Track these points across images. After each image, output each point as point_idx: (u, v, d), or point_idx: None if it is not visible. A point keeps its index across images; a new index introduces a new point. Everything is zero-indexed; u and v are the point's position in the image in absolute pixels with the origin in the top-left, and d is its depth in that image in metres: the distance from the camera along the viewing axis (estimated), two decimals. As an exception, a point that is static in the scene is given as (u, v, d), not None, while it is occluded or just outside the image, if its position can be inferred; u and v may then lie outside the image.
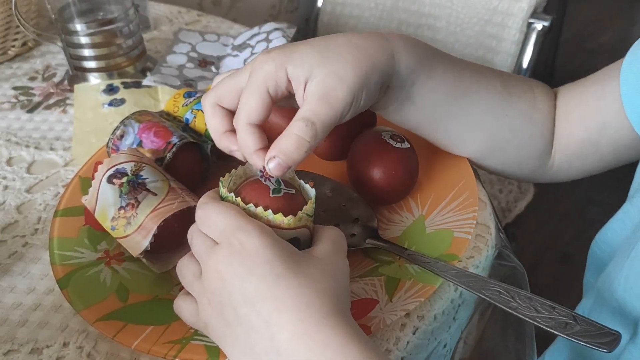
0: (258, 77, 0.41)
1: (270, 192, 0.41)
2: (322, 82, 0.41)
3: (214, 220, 0.39)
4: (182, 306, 0.41)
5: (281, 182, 0.42)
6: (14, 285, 0.50)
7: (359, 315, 0.42)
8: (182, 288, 0.47)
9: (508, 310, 0.41)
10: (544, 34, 1.17)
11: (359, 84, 0.41)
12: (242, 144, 0.42)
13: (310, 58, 0.41)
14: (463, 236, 0.47)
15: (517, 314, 0.40)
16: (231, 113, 0.44)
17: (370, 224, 0.50)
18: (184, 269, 0.40)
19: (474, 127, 0.52)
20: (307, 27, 1.51)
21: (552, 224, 1.66)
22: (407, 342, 0.44)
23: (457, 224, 0.49)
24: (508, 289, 0.42)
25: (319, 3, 1.42)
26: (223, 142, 0.44)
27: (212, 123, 0.44)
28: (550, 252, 1.59)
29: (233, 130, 0.44)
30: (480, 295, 0.42)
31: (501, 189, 1.20)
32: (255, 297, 0.36)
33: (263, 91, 0.41)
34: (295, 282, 0.36)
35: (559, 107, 0.55)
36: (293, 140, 0.40)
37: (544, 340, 0.56)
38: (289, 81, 0.42)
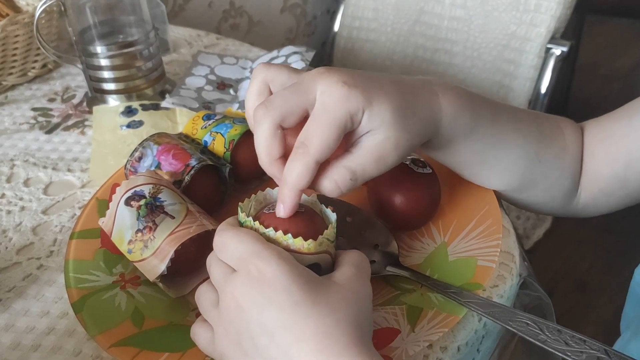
0: (339, 113, 0.39)
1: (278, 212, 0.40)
2: (382, 143, 0.41)
3: (230, 247, 0.38)
4: (199, 333, 0.40)
5: None
6: (28, 308, 0.49)
7: (380, 345, 0.41)
8: (198, 314, 0.46)
9: (537, 343, 0.39)
10: (562, 59, 1.16)
11: (407, 153, 0.43)
12: (299, 180, 0.39)
13: (385, 113, 0.40)
14: (487, 264, 0.46)
15: (547, 347, 0.39)
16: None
17: (391, 250, 0.49)
18: (202, 296, 0.39)
19: (504, 171, 0.51)
20: (323, 51, 1.52)
21: (568, 251, 1.64)
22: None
23: (481, 252, 0.47)
24: (536, 320, 0.40)
25: (336, 27, 1.43)
26: (275, 169, 0.41)
27: (271, 146, 0.40)
28: (567, 280, 1.56)
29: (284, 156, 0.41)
30: (507, 327, 0.40)
31: (519, 215, 1.18)
32: (273, 327, 0.35)
33: (341, 131, 0.39)
34: (314, 311, 0.35)
35: (585, 144, 0.54)
36: (332, 187, 0.40)
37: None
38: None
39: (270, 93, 0.43)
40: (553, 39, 1.16)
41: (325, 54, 1.50)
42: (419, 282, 0.46)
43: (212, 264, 0.39)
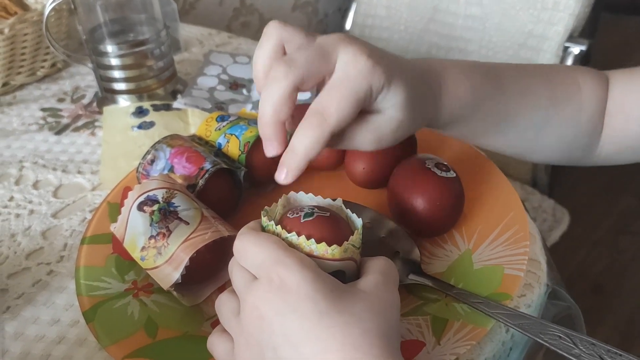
0: (361, 86, 0.37)
1: (302, 216, 0.38)
2: (385, 124, 0.41)
3: (251, 253, 0.36)
4: (216, 344, 0.38)
5: (314, 208, 0.39)
6: (38, 316, 0.48)
7: (404, 358, 0.39)
8: (213, 323, 0.45)
9: (570, 357, 0.37)
10: (580, 58, 1.14)
11: (401, 139, 0.42)
12: (311, 150, 0.37)
13: (399, 96, 0.39)
14: (515, 273, 0.44)
15: (580, 363, 0.37)
16: None
17: (413, 257, 0.47)
18: (223, 305, 0.37)
19: (512, 140, 0.51)
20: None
21: (584, 253, 1.61)
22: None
23: (508, 260, 0.45)
24: (569, 333, 0.38)
25: (347, 26, 1.41)
26: (275, 131, 0.38)
27: (282, 106, 0.37)
28: (582, 282, 1.54)
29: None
30: (539, 340, 0.38)
31: (535, 217, 1.16)
32: (297, 337, 0.33)
33: (359, 105, 0.38)
34: (340, 321, 0.33)
35: (612, 96, 0.52)
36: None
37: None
38: None
39: (284, 54, 0.40)
40: (571, 38, 1.14)
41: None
42: (443, 291, 0.44)
43: (234, 270, 0.37)
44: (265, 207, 0.40)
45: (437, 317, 0.43)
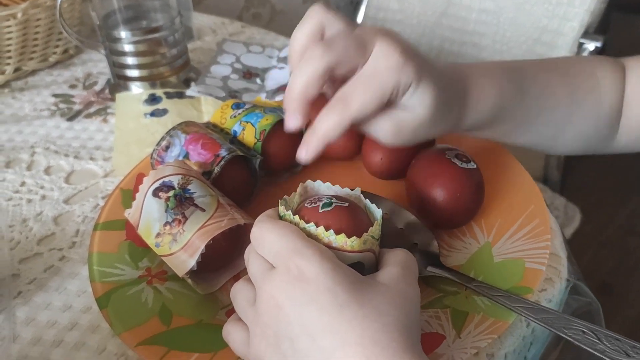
0: (388, 81, 0.38)
1: (320, 206, 0.38)
2: (408, 121, 0.41)
3: (269, 241, 0.35)
4: (232, 333, 0.37)
5: (333, 197, 0.39)
6: (50, 302, 0.47)
7: (424, 351, 0.38)
8: (228, 312, 0.44)
9: (594, 353, 0.36)
10: (596, 55, 1.12)
11: (420, 140, 0.43)
12: (330, 133, 0.38)
13: (427, 97, 0.40)
14: (536, 267, 0.43)
15: (605, 357, 0.36)
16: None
17: (431, 249, 0.46)
18: (238, 294, 0.37)
19: (536, 139, 0.51)
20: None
21: (592, 252, 1.60)
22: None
23: (529, 253, 0.45)
24: (593, 328, 0.37)
25: (359, 18, 1.40)
26: (301, 107, 0.39)
27: (313, 85, 0.38)
28: (590, 282, 1.53)
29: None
30: (562, 334, 0.37)
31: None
32: (315, 329, 0.32)
33: (384, 99, 0.38)
34: (360, 314, 0.32)
35: (629, 86, 0.52)
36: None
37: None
38: None
39: (322, 38, 0.41)
40: (586, 34, 1.12)
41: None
42: (463, 284, 0.43)
43: (250, 258, 0.36)
44: (285, 196, 0.39)
45: (457, 310, 0.42)
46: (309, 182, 0.41)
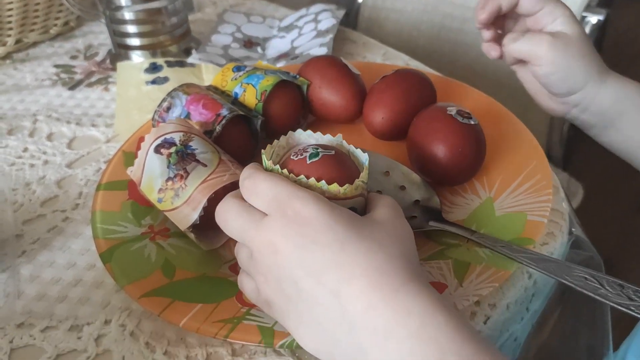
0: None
1: (308, 157, 0.37)
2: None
3: (262, 188, 0.35)
4: (244, 282, 0.37)
5: (318, 147, 0.38)
6: (53, 260, 0.47)
7: (426, 299, 0.38)
8: (230, 267, 0.44)
9: (597, 297, 0.36)
10: (598, 28, 1.12)
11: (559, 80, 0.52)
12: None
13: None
14: (538, 219, 0.43)
15: (607, 302, 0.36)
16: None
17: (432, 205, 0.46)
18: (240, 250, 0.37)
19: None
20: (347, 21, 1.48)
21: (595, 230, 1.60)
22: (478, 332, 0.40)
23: (531, 207, 0.45)
24: (595, 275, 0.38)
25: (360, -4, 1.39)
26: (492, 11, 0.55)
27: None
28: (593, 258, 1.53)
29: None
30: (564, 281, 0.38)
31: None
32: (318, 268, 0.32)
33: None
34: (363, 247, 0.32)
35: None
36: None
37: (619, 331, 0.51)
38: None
39: None
40: (588, 7, 1.12)
41: (349, 23, 1.46)
42: (464, 236, 0.43)
43: (235, 212, 0.35)
44: (262, 150, 0.39)
45: (459, 261, 0.42)
46: (290, 133, 0.40)
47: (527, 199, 0.46)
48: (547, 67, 0.51)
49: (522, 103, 0.81)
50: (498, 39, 0.57)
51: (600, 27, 1.12)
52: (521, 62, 0.56)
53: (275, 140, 0.40)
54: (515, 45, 0.53)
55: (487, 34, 0.57)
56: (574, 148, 1.48)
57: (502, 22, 0.58)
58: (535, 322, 0.46)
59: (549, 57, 0.51)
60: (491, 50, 0.57)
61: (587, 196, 1.22)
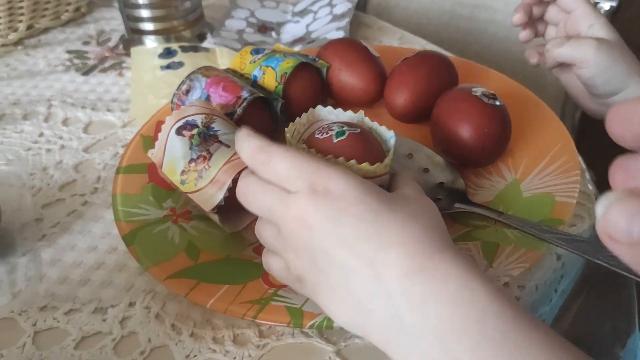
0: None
1: (334, 136, 0.37)
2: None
3: (286, 165, 0.34)
4: (271, 262, 0.37)
5: (344, 125, 0.38)
6: (74, 243, 0.47)
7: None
8: (255, 249, 0.44)
9: (632, 277, 0.36)
10: (611, 15, 1.10)
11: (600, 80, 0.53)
12: None
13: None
14: (567, 200, 0.43)
15: (642, 281, 0.35)
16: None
17: (457, 187, 0.46)
18: (262, 231, 0.36)
19: None
20: (356, 8, 1.46)
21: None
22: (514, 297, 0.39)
23: (559, 188, 0.44)
24: (628, 255, 0.37)
25: (368, -17, 1.38)
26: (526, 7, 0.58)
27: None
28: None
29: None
30: (596, 260, 0.37)
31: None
32: (353, 239, 0.31)
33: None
34: (397, 218, 0.32)
35: None
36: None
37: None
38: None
39: None
40: (601, -7, 1.10)
41: (358, 9, 1.44)
42: (492, 217, 0.42)
43: (259, 191, 0.35)
44: (285, 128, 0.38)
45: (488, 242, 0.41)
46: (311, 109, 0.40)
47: (555, 180, 0.45)
48: (593, 69, 0.52)
49: (533, 92, 0.80)
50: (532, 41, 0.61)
51: (612, 13, 1.11)
52: (562, 65, 0.56)
53: (297, 118, 0.40)
54: (561, 50, 0.53)
55: (525, 34, 0.60)
56: (584, 135, 1.47)
57: (536, 27, 0.61)
58: (561, 305, 0.46)
59: (595, 60, 0.52)
60: (531, 57, 0.59)
61: (597, 183, 1.22)
